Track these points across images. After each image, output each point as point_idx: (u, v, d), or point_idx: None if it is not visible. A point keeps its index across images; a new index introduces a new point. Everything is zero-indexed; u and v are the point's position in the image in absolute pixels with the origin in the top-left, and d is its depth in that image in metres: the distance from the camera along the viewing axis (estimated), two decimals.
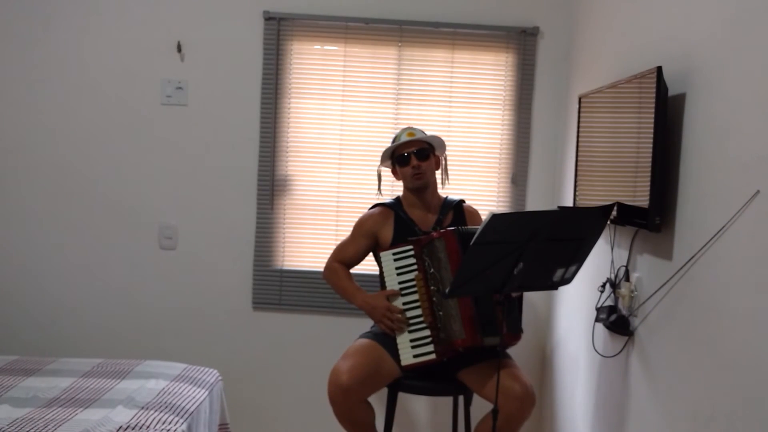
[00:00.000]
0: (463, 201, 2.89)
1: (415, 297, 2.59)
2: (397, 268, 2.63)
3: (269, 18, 3.31)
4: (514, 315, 2.53)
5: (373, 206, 2.87)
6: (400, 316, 2.57)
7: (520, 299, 2.62)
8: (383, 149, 2.83)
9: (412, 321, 2.57)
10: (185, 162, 3.39)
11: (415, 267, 2.60)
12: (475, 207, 2.95)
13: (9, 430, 2.17)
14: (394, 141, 2.81)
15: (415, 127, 2.85)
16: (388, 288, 2.63)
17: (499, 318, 2.40)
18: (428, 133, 2.84)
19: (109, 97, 3.38)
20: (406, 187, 2.81)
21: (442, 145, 2.84)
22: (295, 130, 3.38)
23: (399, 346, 2.56)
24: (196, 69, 3.36)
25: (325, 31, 3.34)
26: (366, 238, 2.80)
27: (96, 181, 3.40)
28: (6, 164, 3.41)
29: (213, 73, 3.36)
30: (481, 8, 3.30)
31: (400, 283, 2.61)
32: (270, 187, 3.37)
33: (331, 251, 2.90)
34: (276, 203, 3.39)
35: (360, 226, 2.83)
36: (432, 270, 2.54)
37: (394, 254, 2.63)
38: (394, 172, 2.87)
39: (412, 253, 2.61)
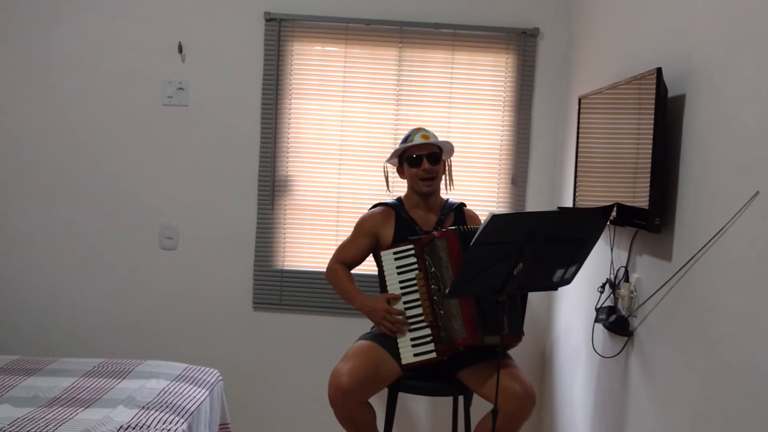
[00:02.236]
0: (463, 204, 2.89)
1: (416, 296, 2.59)
2: (397, 267, 2.63)
3: (270, 19, 3.31)
4: (517, 316, 2.53)
5: (375, 205, 2.87)
6: (400, 317, 2.58)
7: (523, 301, 2.62)
8: (383, 150, 2.83)
9: (412, 320, 2.58)
10: (186, 162, 3.40)
11: (415, 266, 2.60)
12: (475, 208, 2.95)
13: (9, 429, 2.17)
14: (405, 139, 2.79)
15: (427, 129, 2.83)
16: (389, 287, 2.63)
17: (501, 317, 2.40)
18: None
19: (110, 97, 3.38)
20: (410, 188, 2.81)
21: (450, 150, 2.84)
22: (295, 131, 3.39)
23: (399, 345, 2.56)
24: (197, 70, 3.37)
25: (325, 32, 3.35)
26: (367, 237, 2.80)
27: (97, 182, 3.41)
28: (7, 164, 3.42)
29: (214, 73, 3.37)
30: (481, 9, 3.31)
31: (400, 282, 2.62)
32: (270, 187, 3.38)
33: (332, 251, 2.90)
34: (276, 203, 3.39)
35: (361, 226, 2.82)
36: (433, 269, 2.55)
37: (394, 253, 2.64)
38: (399, 171, 2.86)
39: (412, 252, 2.61)
